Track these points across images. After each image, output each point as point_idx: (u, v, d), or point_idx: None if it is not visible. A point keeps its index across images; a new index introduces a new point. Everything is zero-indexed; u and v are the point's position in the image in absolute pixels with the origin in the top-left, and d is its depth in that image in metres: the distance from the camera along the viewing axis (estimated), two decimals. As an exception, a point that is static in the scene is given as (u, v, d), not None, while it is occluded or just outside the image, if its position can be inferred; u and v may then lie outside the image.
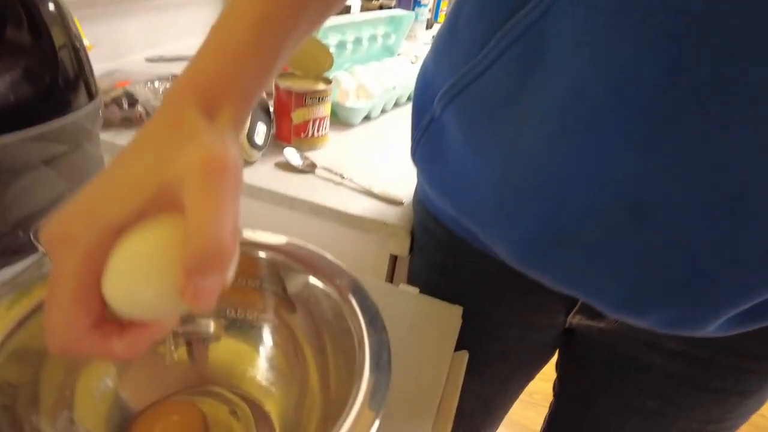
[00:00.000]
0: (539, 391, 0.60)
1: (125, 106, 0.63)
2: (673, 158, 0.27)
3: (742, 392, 0.44)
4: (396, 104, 0.86)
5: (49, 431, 0.25)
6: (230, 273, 0.19)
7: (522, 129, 0.31)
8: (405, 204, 0.57)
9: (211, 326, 0.30)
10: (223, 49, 0.26)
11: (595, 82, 0.27)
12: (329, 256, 0.31)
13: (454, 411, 0.41)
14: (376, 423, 0.21)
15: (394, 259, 0.59)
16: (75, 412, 0.27)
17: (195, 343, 0.30)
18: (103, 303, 0.20)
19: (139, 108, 0.62)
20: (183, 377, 0.30)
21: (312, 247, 0.31)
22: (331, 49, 0.75)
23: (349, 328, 0.26)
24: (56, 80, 0.40)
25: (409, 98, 0.89)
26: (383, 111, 0.82)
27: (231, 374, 0.30)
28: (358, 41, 0.83)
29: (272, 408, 0.29)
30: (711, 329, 0.34)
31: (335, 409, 0.24)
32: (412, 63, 0.96)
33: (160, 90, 0.65)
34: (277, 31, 0.28)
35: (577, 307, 0.45)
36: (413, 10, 1.20)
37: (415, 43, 1.25)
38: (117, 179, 0.21)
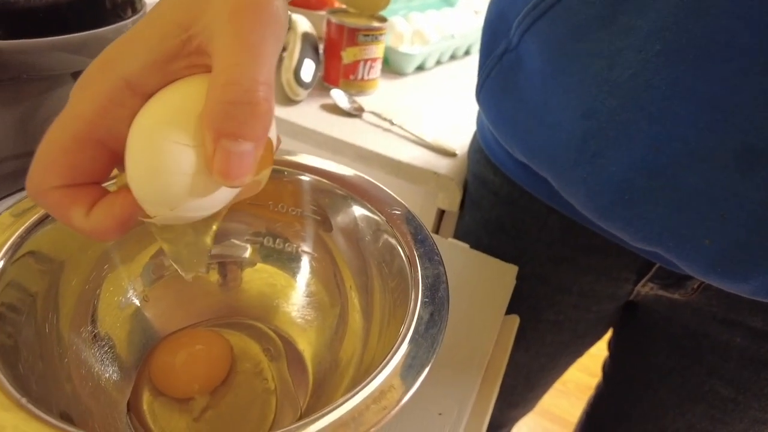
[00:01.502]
0: (572, 380, 0.56)
1: None
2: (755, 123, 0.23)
3: None
4: (453, 57, 0.80)
5: (75, 341, 0.23)
6: (264, 146, 0.16)
7: (621, 50, 0.26)
8: (458, 156, 0.52)
9: (248, 250, 0.27)
10: None
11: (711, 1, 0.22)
12: (380, 185, 0.27)
13: (501, 376, 0.37)
14: (429, 365, 0.18)
15: (440, 215, 0.55)
16: (98, 327, 0.24)
17: (229, 266, 0.27)
18: (90, 167, 0.17)
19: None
20: (213, 305, 0.27)
21: (361, 174, 0.27)
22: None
23: (401, 263, 0.22)
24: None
25: (467, 52, 0.83)
26: (438, 62, 0.76)
27: (264, 307, 0.26)
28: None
29: (306, 348, 0.26)
30: None
31: (379, 354, 0.21)
32: (476, 14, 0.90)
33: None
34: None
35: (651, 272, 0.40)
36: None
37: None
38: (142, 31, 0.17)
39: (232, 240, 0.27)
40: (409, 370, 0.17)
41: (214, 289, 0.27)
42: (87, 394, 0.22)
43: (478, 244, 0.46)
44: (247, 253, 0.27)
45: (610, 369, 0.54)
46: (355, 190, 0.26)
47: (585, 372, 0.54)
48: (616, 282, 0.42)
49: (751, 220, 0.26)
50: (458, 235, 0.50)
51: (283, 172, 0.27)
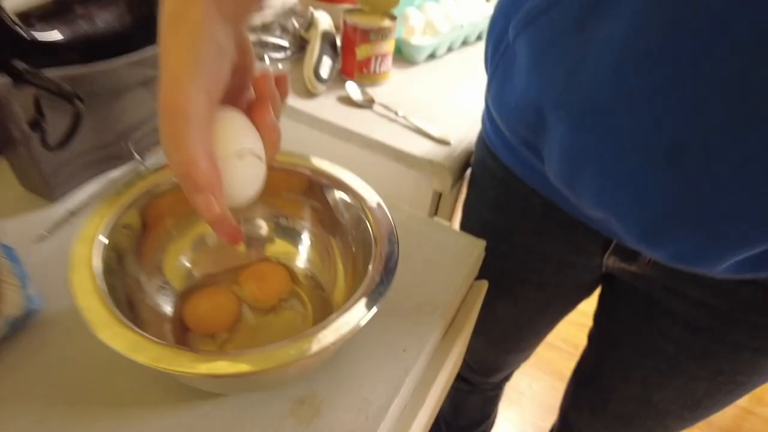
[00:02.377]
0: (581, 343, 0.66)
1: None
2: (712, 107, 0.29)
3: (757, 349, 0.46)
4: (464, 43, 0.86)
5: (148, 288, 0.34)
6: None
7: (584, 57, 0.34)
8: (452, 145, 0.60)
9: (265, 229, 0.37)
10: None
11: (650, 26, 0.30)
12: (361, 180, 0.36)
13: (469, 326, 0.46)
14: (374, 309, 0.27)
15: (438, 196, 0.64)
16: (165, 279, 0.35)
17: (253, 242, 0.37)
18: None
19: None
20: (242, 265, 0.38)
21: (346, 171, 0.37)
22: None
23: (369, 238, 0.32)
24: (152, 11, 0.46)
25: (478, 37, 0.89)
26: (450, 49, 0.83)
27: (286, 261, 0.38)
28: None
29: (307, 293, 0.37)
30: (721, 268, 0.37)
31: (349, 290, 0.31)
32: (487, 1, 0.95)
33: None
34: None
35: (611, 247, 0.48)
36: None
37: None
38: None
39: (256, 221, 0.37)
40: (370, 302, 0.27)
41: (243, 257, 0.38)
42: (154, 321, 0.33)
43: (479, 219, 0.55)
44: (265, 231, 0.37)
45: (592, 331, 0.63)
46: (341, 184, 0.35)
47: (586, 331, 0.65)
48: (586, 254, 0.51)
49: (672, 198, 0.34)
50: (465, 212, 0.59)
51: (293, 169, 0.37)
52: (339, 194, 0.35)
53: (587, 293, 0.61)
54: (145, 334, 0.26)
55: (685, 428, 0.58)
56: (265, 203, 0.37)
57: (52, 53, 0.40)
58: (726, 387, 0.51)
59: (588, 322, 0.63)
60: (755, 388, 0.50)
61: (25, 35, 0.38)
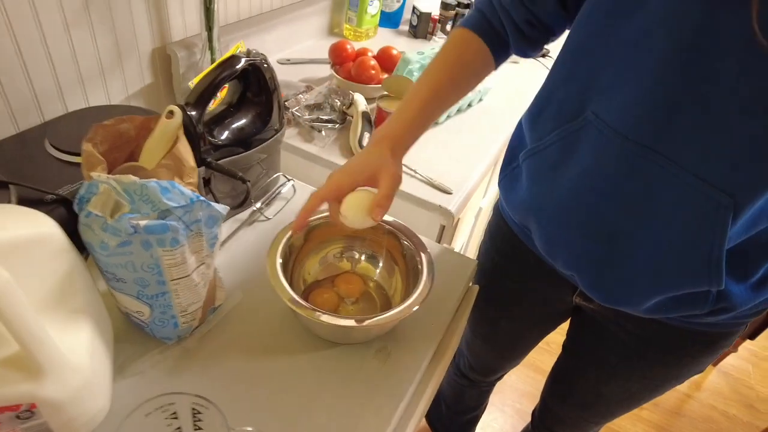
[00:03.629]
0: (556, 341, 0.88)
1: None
2: (635, 212, 0.51)
3: (666, 364, 0.67)
4: (459, 111, 1.15)
5: (299, 280, 0.61)
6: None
7: (555, 185, 0.57)
8: (453, 193, 0.89)
9: (357, 255, 0.65)
10: (402, 117, 0.59)
11: (596, 172, 0.51)
12: (414, 231, 0.64)
13: (462, 326, 0.74)
14: (417, 306, 0.55)
15: (442, 228, 0.92)
16: (306, 276, 0.63)
17: (352, 261, 0.65)
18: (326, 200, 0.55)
19: (290, 113, 0.97)
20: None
21: (407, 225, 0.65)
22: (415, 72, 1.05)
23: (418, 267, 0.60)
24: (270, 118, 0.74)
25: (469, 105, 1.18)
26: (448, 116, 1.12)
27: (366, 275, 0.65)
28: (434, 63, 1.12)
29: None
30: (644, 308, 0.57)
31: (404, 295, 0.58)
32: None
33: (302, 100, 0.99)
34: (436, 108, 0.61)
35: (577, 291, 0.70)
36: (483, 20, 1.45)
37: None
38: (355, 168, 0.55)
39: (354, 250, 0.65)
40: (416, 302, 0.55)
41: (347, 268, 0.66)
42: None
43: (491, 258, 0.79)
44: (357, 256, 0.65)
45: (565, 343, 0.85)
46: (403, 231, 0.63)
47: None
48: (562, 294, 0.72)
49: (607, 268, 0.55)
50: (481, 250, 0.83)
51: (381, 222, 0.65)
52: (404, 238, 0.63)
53: (563, 318, 0.82)
54: (301, 300, 0.54)
55: (626, 411, 0.80)
56: (360, 241, 0.65)
57: (221, 147, 0.68)
58: (649, 387, 0.72)
59: (556, 332, 0.88)
60: (672, 388, 0.71)
61: (213, 140, 0.66)
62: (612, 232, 0.53)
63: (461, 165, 0.96)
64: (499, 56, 0.63)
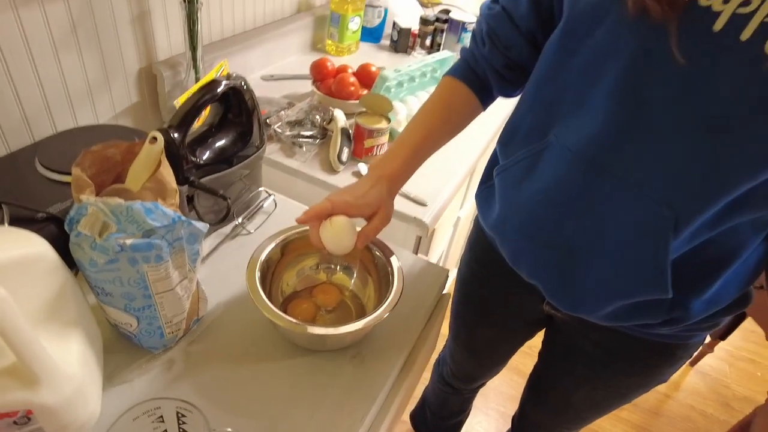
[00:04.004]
0: (537, 345, 0.93)
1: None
2: (587, 229, 0.55)
3: (630, 374, 0.71)
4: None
5: (277, 291, 0.65)
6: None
7: (519, 199, 0.61)
8: (428, 205, 0.93)
9: (333, 267, 0.69)
10: (398, 157, 0.66)
11: (552, 191, 0.57)
12: (384, 242, 0.68)
13: (435, 332, 0.78)
14: (388, 312, 0.59)
15: (419, 239, 0.96)
16: (283, 289, 0.67)
17: (328, 273, 0.69)
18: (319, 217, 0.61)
19: (272, 130, 1.01)
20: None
21: (380, 239, 0.69)
22: (392, 88, 1.10)
23: (389, 275, 0.64)
24: (251, 137, 0.78)
25: (445, 119, 1.23)
26: (425, 130, 1.17)
27: (341, 285, 0.70)
28: (411, 79, 1.17)
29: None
30: (601, 316, 0.61)
31: (377, 303, 0.62)
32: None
33: (284, 116, 1.03)
34: (428, 150, 0.69)
35: (545, 300, 0.73)
36: (460, 35, 1.51)
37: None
38: (359, 200, 0.62)
39: (329, 264, 0.69)
40: (387, 309, 0.59)
41: (324, 279, 0.70)
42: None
43: (471, 268, 0.83)
44: (334, 268, 0.69)
45: (540, 351, 0.89)
46: (377, 243, 0.68)
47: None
48: (533, 303, 0.75)
49: (563, 277, 0.60)
50: (462, 259, 0.87)
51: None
52: (375, 249, 0.68)
53: (538, 328, 0.86)
54: (278, 311, 0.58)
55: (597, 418, 0.83)
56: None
57: (204, 166, 0.72)
58: (615, 395, 0.76)
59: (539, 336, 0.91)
60: (638, 396, 0.74)
61: (196, 160, 0.70)
62: (569, 243, 0.58)
63: (436, 178, 1.01)
64: (485, 100, 0.70)
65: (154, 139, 0.54)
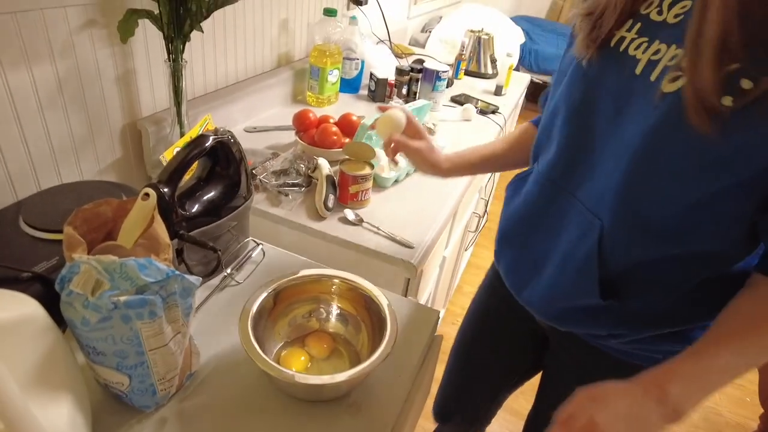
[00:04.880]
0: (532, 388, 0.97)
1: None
2: (542, 238, 0.69)
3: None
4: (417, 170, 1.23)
5: (271, 342, 0.64)
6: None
7: (507, 211, 0.77)
8: (414, 247, 0.95)
9: (325, 314, 0.69)
10: (464, 157, 0.89)
11: (519, 217, 0.72)
12: (378, 289, 0.69)
13: (430, 374, 0.78)
14: (382, 359, 0.59)
15: (408, 280, 0.97)
16: (278, 335, 0.66)
17: (320, 320, 0.69)
18: None
19: (258, 180, 1.02)
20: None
21: (372, 285, 0.70)
22: (373, 136, 1.14)
23: (383, 322, 0.64)
24: (239, 188, 0.79)
25: (426, 162, 1.26)
26: (408, 175, 1.20)
27: (334, 332, 0.69)
28: (391, 126, 1.21)
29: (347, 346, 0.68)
30: (554, 317, 0.70)
31: (371, 349, 0.62)
32: (431, 135, 1.34)
33: (269, 167, 1.05)
34: (487, 164, 0.90)
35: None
36: (435, 83, 1.57)
37: (437, 111, 1.63)
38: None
39: (320, 309, 0.69)
40: (381, 356, 0.59)
41: (316, 327, 0.70)
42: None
43: (479, 298, 0.94)
44: (324, 315, 0.69)
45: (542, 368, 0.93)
46: (369, 292, 0.68)
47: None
48: (527, 321, 0.83)
49: (524, 274, 0.70)
50: (479, 290, 0.97)
51: (346, 283, 0.70)
52: (367, 296, 0.68)
53: (535, 346, 0.90)
54: (272, 362, 0.57)
55: None
56: (326, 300, 0.70)
57: (193, 219, 0.72)
58: None
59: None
60: None
61: (185, 213, 0.70)
62: (533, 249, 0.70)
63: (421, 220, 1.03)
64: None
65: (147, 195, 0.54)
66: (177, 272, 0.51)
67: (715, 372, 0.53)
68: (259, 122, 1.36)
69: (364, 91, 1.71)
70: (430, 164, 0.85)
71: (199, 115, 1.12)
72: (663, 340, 0.65)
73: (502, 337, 0.93)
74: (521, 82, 2.14)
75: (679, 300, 0.61)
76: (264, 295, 0.64)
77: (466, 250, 1.90)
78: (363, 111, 1.55)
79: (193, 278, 0.54)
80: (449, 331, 2.11)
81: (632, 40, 0.56)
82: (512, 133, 0.87)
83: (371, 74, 1.62)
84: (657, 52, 0.53)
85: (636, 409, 0.52)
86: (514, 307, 0.79)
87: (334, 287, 0.70)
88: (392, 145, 0.81)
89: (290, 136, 1.27)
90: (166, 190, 0.66)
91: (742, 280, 0.57)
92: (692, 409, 0.52)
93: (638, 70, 0.55)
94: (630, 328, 0.64)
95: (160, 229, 0.54)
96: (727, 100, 0.46)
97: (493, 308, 0.92)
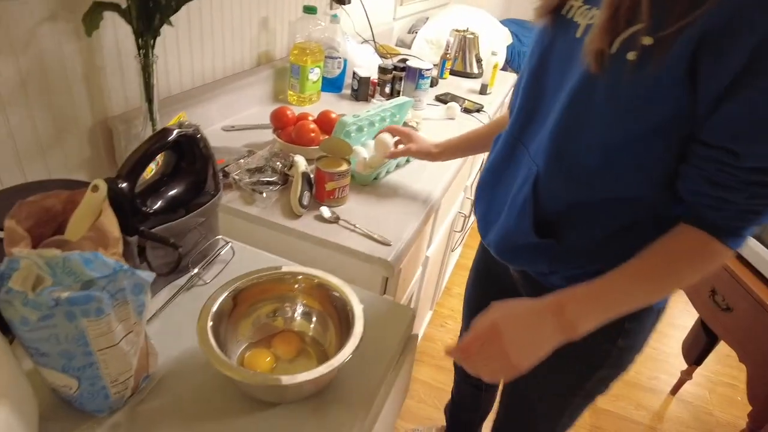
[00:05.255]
0: None
1: (221, 176, 1.00)
2: (501, 186, 0.79)
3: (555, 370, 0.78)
4: (398, 166, 1.21)
5: (234, 342, 0.61)
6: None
7: (486, 165, 0.84)
8: (392, 245, 0.92)
9: (290, 312, 0.66)
10: (451, 141, 1.09)
11: (489, 169, 0.82)
12: (344, 282, 0.67)
13: (406, 375, 0.75)
14: (349, 356, 0.57)
15: (386, 279, 0.95)
16: (240, 337, 0.63)
17: (285, 319, 0.66)
18: None
19: (231, 178, 1.00)
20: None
21: (337, 278, 0.67)
22: (352, 133, 1.12)
23: (350, 316, 0.62)
24: (208, 184, 0.76)
25: (407, 161, 1.24)
26: (388, 172, 1.17)
27: (302, 331, 0.66)
28: (371, 123, 1.19)
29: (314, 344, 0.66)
30: (507, 255, 0.79)
31: (339, 348, 0.59)
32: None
33: (243, 164, 1.02)
34: (474, 144, 1.06)
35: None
36: (418, 82, 1.56)
37: (421, 110, 1.61)
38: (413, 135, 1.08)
39: (285, 308, 0.66)
40: (347, 352, 0.57)
41: (281, 327, 0.67)
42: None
43: (476, 256, 1.04)
44: (290, 314, 0.66)
45: None
46: (333, 286, 0.66)
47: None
48: (507, 273, 0.88)
49: (488, 217, 0.82)
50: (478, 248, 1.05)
51: (310, 278, 0.67)
52: (333, 292, 0.66)
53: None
54: (231, 362, 0.54)
55: (546, 413, 0.88)
56: (291, 298, 0.67)
57: (155, 215, 0.69)
58: (553, 389, 0.84)
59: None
60: (575, 401, 0.82)
61: (146, 210, 0.67)
62: (497, 196, 0.79)
63: (400, 218, 1.00)
64: None
65: (96, 187, 0.52)
66: (126, 267, 0.49)
67: (611, 296, 0.60)
68: (238, 121, 1.34)
69: (347, 91, 1.69)
70: (423, 155, 1.08)
71: (174, 112, 1.10)
72: (596, 276, 0.64)
73: (492, 290, 0.96)
74: (506, 80, 2.13)
75: (609, 240, 0.67)
76: (224, 295, 0.62)
77: (453, 250, 1.88)
78: (345, 110, 1.53)
79: (144, 274, 0.51)
80: (436, 333, 2.08)
81: (579, 7, 0.64)
82: (493, 121, 1.00)
83: (354, 73, 1.60)
84: (593, 17, 0.61)
85: (535, 320, 0.61)
86: (497, 260, 0.84)
87: (297, 285, 0.67)
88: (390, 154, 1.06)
89: (269, 135, 1.25)
90: (124, 184, 0.63)
91: (673, 224, 0.61)
92: (586, 325, 0.59)
93: (578, 34, 0.62)
94: (565, 264, 0.71)
95: (109, 222, 0.51)
96: (632, 55, 0.54)
97: (483, 262, 1.01)
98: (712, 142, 0.54)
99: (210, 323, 0.57)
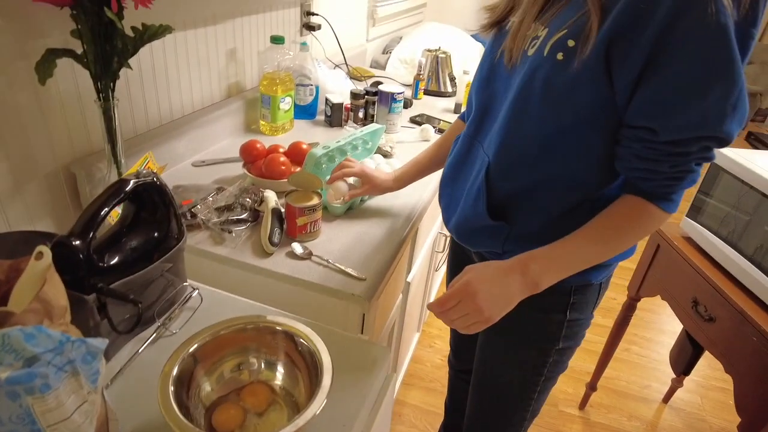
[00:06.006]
0: None
1: (188, 217, 0.98)
2: (460, 179, 0.88)
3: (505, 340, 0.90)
4: (362, 201, 1.19)
5: (193, 405, 0.59)
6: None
7: (448, 161, 0.92)
8: (367, 279, 0.90)
9: (256, 364, 0.64)
10: (407, 166, 1.13)
11: (450, 165, 0.92)
12: (310, 329, 0.64)
13: (386, 416, 0.73)
14: (322, 405, 0.55)
15: (363, 315, 0.93)
16: (203, 393, 0.61)
17: (251, 372, 0.64)
18: None
19: (198, 219, 0.97)
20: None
21: (302, 323, 0.65)
22: (323, 164, 1.10)
23: (318, 363, 0.60)
24: (170, 231, 0.74)
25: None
26: (362, 201, 1.16)
27: (271, 380, 0.64)
28: (342, 153, 1.18)
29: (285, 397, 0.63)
30: (467, 238, 0.86)
31: (309, 396, 0.57)
32: (386, 158, 1.31)
33: (211, 203, 1.00)
34: (431, 165, 1.09)
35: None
36: (391, 105, 1.55)
37: (395, 133, 1.61)
38: (372, 176, 1.11)
39: (250, 359, 0.64)
40: (315, 406, 0.54)
41: (248, 379, 0.64)
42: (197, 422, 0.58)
43: (450, 247, 1.07)
44: (256, 366, 0.64)
45: None
46: (298, 333, 0.64)
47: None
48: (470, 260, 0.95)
49: (450, 207, 0.90)
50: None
51: (274, 327, 0.65)
52: (299, 339, 0.64)
53: None
54: (192, 425, 0.52)
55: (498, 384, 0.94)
56: (256, 350, 0.65)
57: (114, 269, 0.67)
58: (503, 361, 0.92)
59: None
60: (527, 365, 0.88)
61: (103, 265, 0.65)
62: (457, 188, 0.87)
63: (375, 249, 0.99)
64: None
65: (41, 254, 0.49)
66: (72, 338, 0.46)
67: (567, 256, 0.70)
68: (209, 155, 1.32)
69: (321, 117, 1.68)
70: (381, 191, 1.11)
71: (140, 153, 1.08)
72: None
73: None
74: (482, 98, 2.14)
75: (557, 220, 0.75)
76: (182, 356, 0.59)
77: (437, 270, 1.87)
78: (319, 137, 1.52)
79: (96, 341, 0.49)
80: (425, 354, 2.06)
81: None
82: (445, 134, 1.06)
83: (327, 99, 1.59)
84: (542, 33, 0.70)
85: (503, 277, 0.69)
86: (463, 248, 0.94)
87: (261, 335, 0.65)
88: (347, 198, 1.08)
89: (240, 168, 1.23)
90: (77, 243, 0.61)
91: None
92: (547, 281, 0.69)
93: (530, 52, 0.70)
94: (517, 244, 0.77)
95: (54, 291, 0.49)
96: (560, 56, 0.64)
97: (452, 252, 1.06)
98: (634, 123, 0.64)
99: (171, 389, 0.55)
